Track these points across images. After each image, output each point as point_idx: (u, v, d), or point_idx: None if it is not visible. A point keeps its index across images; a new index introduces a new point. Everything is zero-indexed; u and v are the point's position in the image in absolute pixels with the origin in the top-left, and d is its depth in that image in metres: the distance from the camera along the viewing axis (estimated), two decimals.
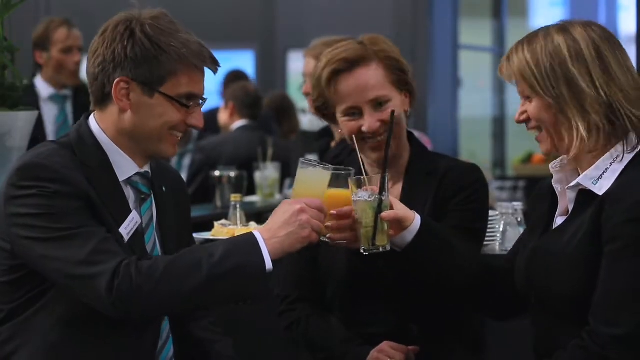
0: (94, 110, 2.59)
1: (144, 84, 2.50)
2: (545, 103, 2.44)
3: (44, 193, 2.39)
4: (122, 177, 2.55)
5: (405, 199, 2.88)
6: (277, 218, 2.46)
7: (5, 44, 3.21)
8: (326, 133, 4.69)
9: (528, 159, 9.57)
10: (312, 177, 2.56)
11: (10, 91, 3.19)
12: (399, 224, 2.63)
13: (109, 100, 2.53)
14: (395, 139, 2.87)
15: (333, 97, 2.92)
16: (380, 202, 2.60)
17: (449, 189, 2.91)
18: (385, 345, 2.84)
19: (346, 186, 2.68)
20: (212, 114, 7.10)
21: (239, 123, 6.43)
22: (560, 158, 2.55)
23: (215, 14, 10.63)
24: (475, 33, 11.93)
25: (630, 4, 10.60)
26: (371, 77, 2.91)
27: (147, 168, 2.61)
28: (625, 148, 2.43)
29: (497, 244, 3.59)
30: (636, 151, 2.44)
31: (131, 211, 2.53)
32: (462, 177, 2.94)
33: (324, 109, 2.98)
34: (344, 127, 2.94)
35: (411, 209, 2.73)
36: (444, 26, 10.23)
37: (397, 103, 2.92)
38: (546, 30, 2.48)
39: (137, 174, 2.58)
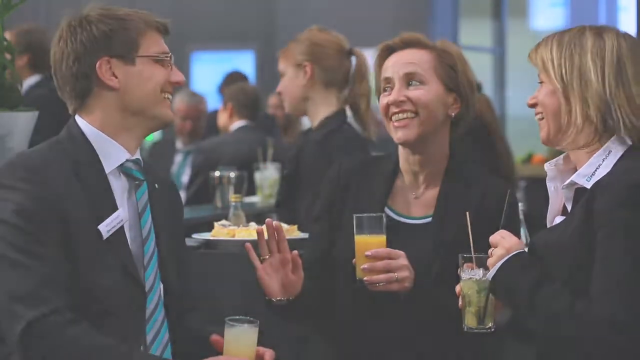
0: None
1: (123, 56, 2.57)
2: (553, 89, 2.52)
3: (18, 199, 2.43)
4: (113, 166, 2.58)
5: (441, 205, 2.91)
6: None
7: (5, 45, 3.21)
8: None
9: (528, 159, 9.56)
10: (240, 337, 2.52)
11: (10, 92, 3.19)
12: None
13: (90, 93, 2.58)
14: (421, 124, 2.89)
15: (379, 73, 2.98)
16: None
17: (491, 206, 2.89)
18: None
19: (379, 230, 2.74)
20: (212, 116, 7.10)
21: (238, 124, 6.42)
22: (555, 159, 2.61)
23: (215, 14, 10.63)
24: (475, 33, 11.92)
25: (630, 5, 10.60)
26: (415, 56, 2.94)
27: (138, 155, 2.64)
28: (617, 145, 2.48)
29: None
30: (627, 146, 2.49)
31: (117, 208, 2.55)
32: (509, 203, 2.86)
33: (377, 90, 3.02)
34: (379, 103, 2.97)
35: (444, 219, 2.78)
36: (444, 26, 10.23)
37: (434, 93, 2.92)
38: (582, 28, 2.56)
39: (129, 160, 2.60)
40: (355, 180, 2.99)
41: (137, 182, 2.62)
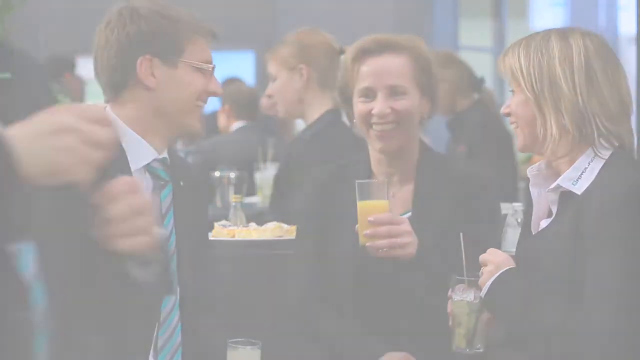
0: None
1: (166, 57, 2.53)
2: (524, 98, 2.49)
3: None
4: (139, 165, 2.55)
5: (416, 201, 2.91)
6: None
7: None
8: None
9: (528, 160, 9.56)
10: (242, 358, 2.54)
11: None
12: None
13: (126, 87, 2.54)
14: (403, 132, 2.90)
15: (354, 77, 2.95)
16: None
17: (469, 196, 2.91)
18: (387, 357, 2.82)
19: (381, 196, 2.73)
20: (211, 117, 7.10)
21: (237, 124, 6.42)
22: (538, 163, 2.60)
23: (215, 14, 10.62)
24: (475, 33, 11.92)
25: (630, 4, 10.59)
26: (396, 64, 2.93)
27: (165, 154, 2.60)
28: (597, 151, 2.46)
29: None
30: (611, 151, 2.47)
31: None
32: (484, 187, 2.95)
33: (344, 90, 3.00)
34: (356, 108, 2.96)
35: (423, 211, 2.78)
36: (444, 26, 10.23)
37: (414, 101, 2.93)
38: (547, 32, 2.53)
39: (156, 160, 2.57)
40: (330, 188, 3.00)
41: (162, 183, 2.58)
